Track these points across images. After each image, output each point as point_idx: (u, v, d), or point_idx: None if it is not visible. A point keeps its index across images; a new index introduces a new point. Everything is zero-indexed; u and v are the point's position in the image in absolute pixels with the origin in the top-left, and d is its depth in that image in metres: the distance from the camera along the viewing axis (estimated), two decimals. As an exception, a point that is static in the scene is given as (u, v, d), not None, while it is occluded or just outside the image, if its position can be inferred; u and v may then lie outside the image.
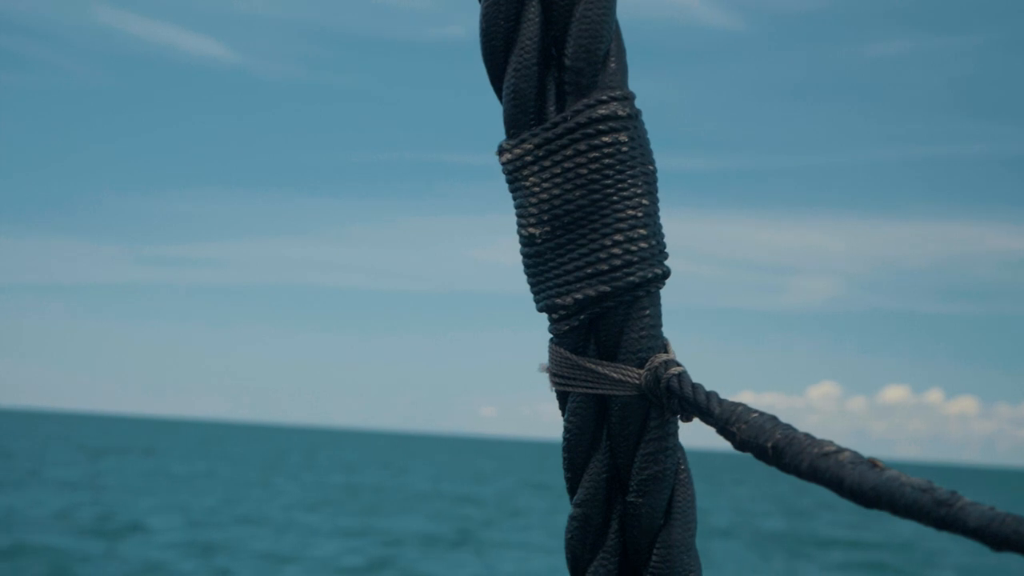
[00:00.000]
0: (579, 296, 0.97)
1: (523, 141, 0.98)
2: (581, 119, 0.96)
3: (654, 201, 0.97)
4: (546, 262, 0.98)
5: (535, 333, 1.04)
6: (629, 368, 0.97)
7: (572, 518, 1.01)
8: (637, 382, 0.97)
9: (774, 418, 0.88)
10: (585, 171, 0.96)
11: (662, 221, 0.99)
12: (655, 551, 0.99)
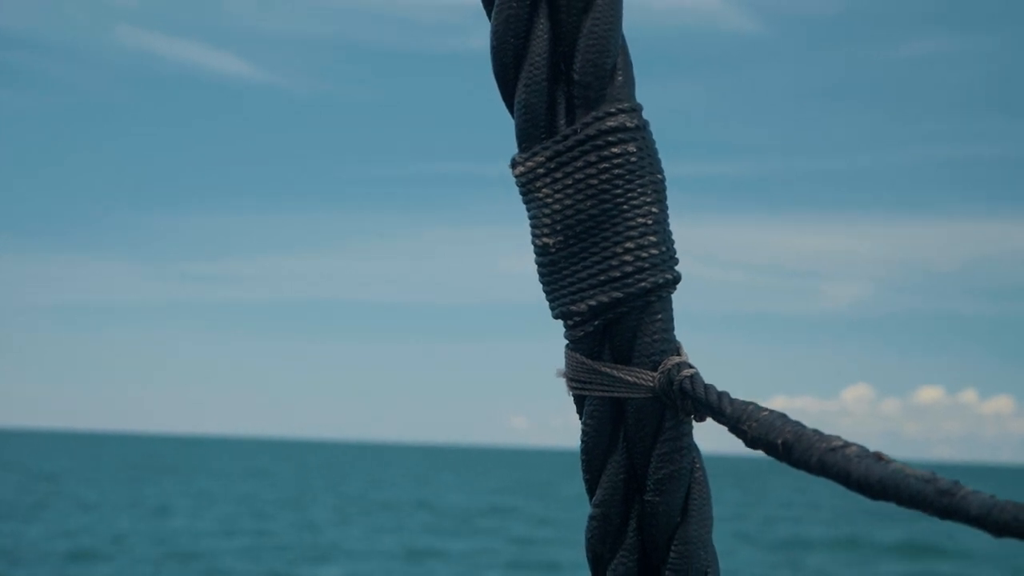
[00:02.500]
0: (593, 303, 0.99)
1: (535, 154, 1.01)
2: (591, 131, 0.98)
3: (663, 209, 1.00)
4: (560, 271, 1.01)
5: (561, 342, 1.07)
6: (643, 371, 1.00)
7: (592, 518, 1.04)
8: (651, 384, 1.00)
9: (783, 416, 0.91)
10: (596, 181, 0.98)
11: (672, 227, 1.02)
12: (673, 548, 1.02)
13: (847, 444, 0.84)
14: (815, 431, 0.87)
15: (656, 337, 1.00)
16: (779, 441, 0.88)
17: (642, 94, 1.02)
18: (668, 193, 1.02)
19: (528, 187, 1.02)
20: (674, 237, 1.02)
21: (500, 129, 1.04)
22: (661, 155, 1.02)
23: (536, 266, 1.04)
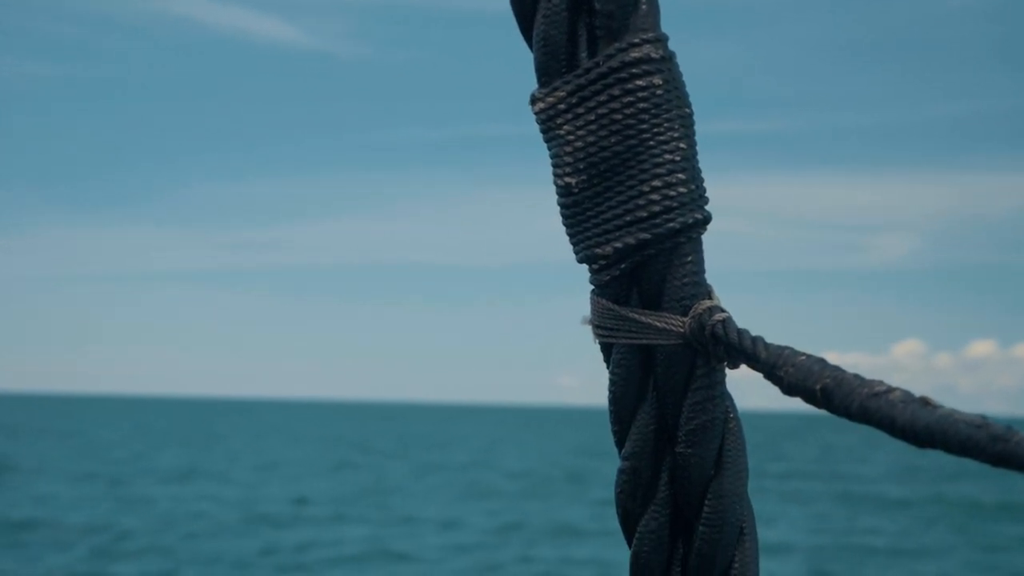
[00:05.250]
0: (619, 245, 0.94)
1: (555, 89, 0.95)
2: (614, 63, 0.93)
3: (692, 144, 0.94)
4: (584, 211, 0.96)
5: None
6: (673, 316, 0.94)
7: (621, 471, 0.99)
8: (682, 330, 0.94)
9: (822, 360, 0.85)
10: (620, 116, 0.93)
11: (701, 166, 0.96)
12: (706, 502, 0.97)
13: (891, 389, 0.79)
14: (856, 376, 0.82)
15: (686, 280, 0.94)
16: (817, 387, 0.83)
17: (681, 52, 0.95)
18: (696, 128, 0.96)
19: (548, 124, 0.96)
20: (704, 176, 0.96)
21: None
22: (705, 112, 0.96)
23: (558, 207, 0.98)
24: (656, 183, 0.93)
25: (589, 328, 1.01)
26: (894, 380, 0.82)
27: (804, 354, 0.86)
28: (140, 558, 20.62)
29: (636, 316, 0.95)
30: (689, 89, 0.96)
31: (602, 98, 0.93)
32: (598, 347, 1.01)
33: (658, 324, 0.95)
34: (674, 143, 0.93)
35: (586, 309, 1.01)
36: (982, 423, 0.72)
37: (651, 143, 0.93)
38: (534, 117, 0.98)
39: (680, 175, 0.93)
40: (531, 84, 0.99)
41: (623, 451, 0.99)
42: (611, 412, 0.99)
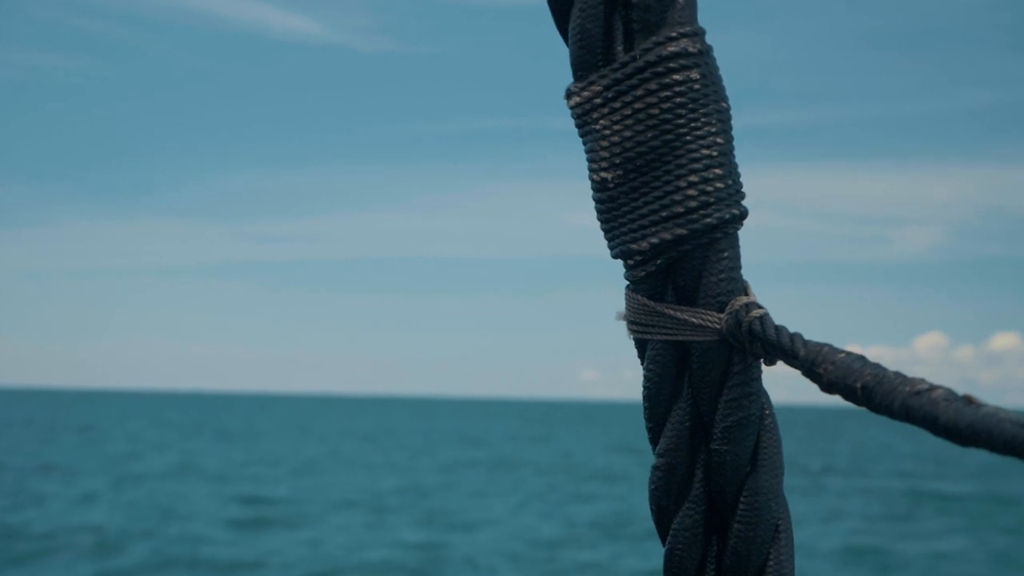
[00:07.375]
0: (655, 240, 0.94)
1: (591, 83, 0.95)
2: (651, 57, 0.92)
3: (729, 140, 0.94)
4: (619, 207, 0.96)
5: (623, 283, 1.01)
6: (709, 312, 0.94)
7: (655, 468, 0.99)
8: (718, 326, 0.94)
9: (862, 358, 0.84)
10: (657, 111, 0.92)
11: (737, 160, 0.95)
12: (742, 499, 0.97)
13: (933, 387, 0.78)
14: (897, 373, 0.81)
15: (722, 276, 0.94)
16: (858, 385, 0.82)
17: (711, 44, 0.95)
18: (733, 123, 0.95)
19: (584, 119, 0.96)
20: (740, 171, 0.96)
21: (566, 81, 0.98)
22: (734, 103, 0.95)
23: (594, 203, 0.98)
24: (693, 178, 0.92)
25: (622, 323, 1.01)
26: (915, 373, 0.81)
27: (843, 351, 0.85)
28: (156, 555, 20.61)
29: (672, 312, 0.95)
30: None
31: (639, 92, 0.93)
32: (631, 343, 1.01)
33: (694, 320, 0.94)
34: (711, 138, 0.92)
35: (608, 303, 1.01)
36: (1027, 422, 0.71)
37: (688, 138, 0.92)
38: (569, 111, 0.98)
39: (717, 170, 0.93)
40: (555, 78, 0.98)
41: (658, 448, 0.99)
42: (646, 408, 0.99)
